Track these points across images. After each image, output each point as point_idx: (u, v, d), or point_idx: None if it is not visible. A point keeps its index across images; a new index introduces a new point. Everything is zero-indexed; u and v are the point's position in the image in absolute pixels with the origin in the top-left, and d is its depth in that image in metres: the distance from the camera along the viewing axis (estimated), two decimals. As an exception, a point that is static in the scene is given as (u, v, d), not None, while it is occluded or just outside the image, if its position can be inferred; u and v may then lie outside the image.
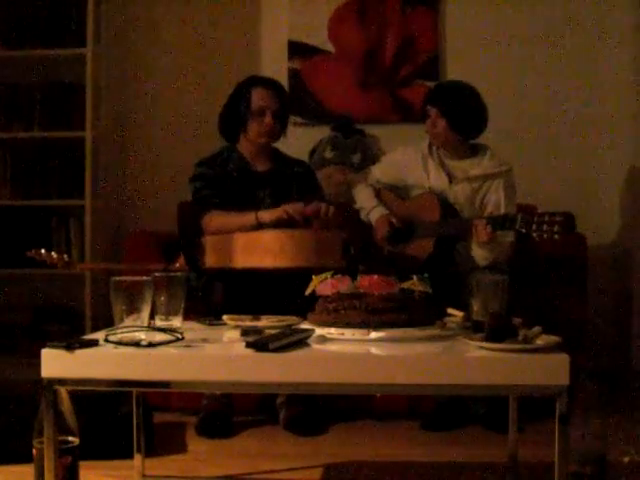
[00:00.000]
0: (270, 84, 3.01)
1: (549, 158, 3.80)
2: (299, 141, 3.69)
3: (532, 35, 3.81)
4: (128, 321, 1.80)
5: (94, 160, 3.70)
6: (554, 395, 1.54)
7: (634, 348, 3.68)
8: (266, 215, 2.76)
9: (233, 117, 3.01)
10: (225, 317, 2.07)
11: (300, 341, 1.75)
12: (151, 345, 1.68)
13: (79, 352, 1.65)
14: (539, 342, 1.64)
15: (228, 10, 3.94)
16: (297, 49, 3.91)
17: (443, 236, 2.92)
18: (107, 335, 1.71)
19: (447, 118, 2.95)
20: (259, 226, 2.75)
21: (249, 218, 2.77)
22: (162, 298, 1.90)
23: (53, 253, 2.50)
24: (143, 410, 2.22)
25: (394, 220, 3.05)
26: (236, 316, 2.06)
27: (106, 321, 1.91)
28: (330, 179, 3.74)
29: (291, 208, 2.75)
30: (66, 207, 3.76)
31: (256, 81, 3.01)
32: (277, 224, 2.72)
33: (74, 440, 1.83)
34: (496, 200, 2.98)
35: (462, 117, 2.96)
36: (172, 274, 1.95)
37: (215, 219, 2.86)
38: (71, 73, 3.73)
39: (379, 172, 3.22)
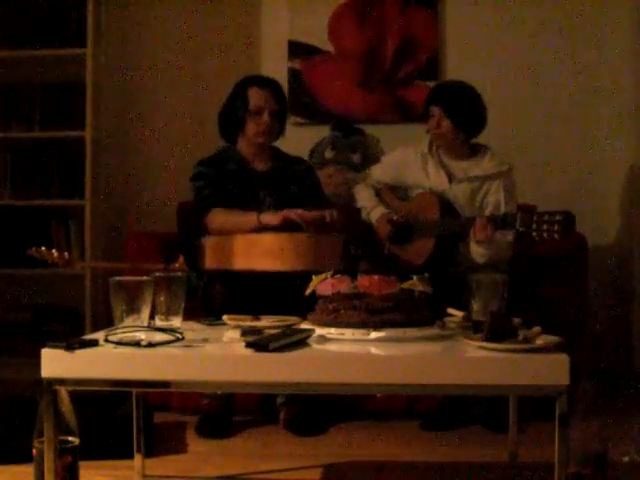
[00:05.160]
0: (267, 83, 3.00)
1: (549, 158, 3.79)
2: (299, 141, 3.69)
3: (532, 35, 3.81)
4: (128, 321, 1.80)
5: (94, 160, 3.70)
6: (554, 395, 1.54)
7: (634, 348, 3.68)
8: (268, 218, 2.72)
9: (231, 117, 3.01)
10: (225, 317, 2.07)
11: (300, 341, 1.75)
12: (151, 345, 1.68)
13: (79, 352, 1.65)
14: (539, 342, 1.64)
15: (228, 10, 3.94)
16: (297, 49, 3.91)
17: (443, 236, 2.92)
18: (107, 335, 1.71)
19: (451, 118, 2.95)
20: (261, 228, 2.72)
21: (251, 219, 2.74)
22: (162, 298, 1.90)
23: (54, 251, 2.49)
24: (143, 410, 2.21)
25: (395, 218, 3.05)
26: (236, 316, 2.06)
27: (106, 321, 1.91)
28: (330, 179, 3.74)
29: (294, 214, 2.69)
30: (66, 207, 3.75)
31: (253, 81, 3.01)
32: (279, 227, 2.68)
33: (74, 440, 1.82)
34: (496, 200, 2.98)
35: (466, 117, 2.97)
36: (172, 274, 1.95)
37: (218, 217, 2.84)
38: (71, 73, 3.72)
39: (379, 172, 3.22)
